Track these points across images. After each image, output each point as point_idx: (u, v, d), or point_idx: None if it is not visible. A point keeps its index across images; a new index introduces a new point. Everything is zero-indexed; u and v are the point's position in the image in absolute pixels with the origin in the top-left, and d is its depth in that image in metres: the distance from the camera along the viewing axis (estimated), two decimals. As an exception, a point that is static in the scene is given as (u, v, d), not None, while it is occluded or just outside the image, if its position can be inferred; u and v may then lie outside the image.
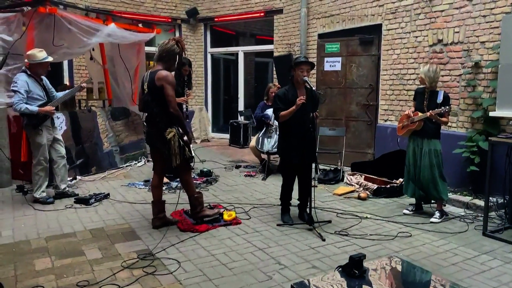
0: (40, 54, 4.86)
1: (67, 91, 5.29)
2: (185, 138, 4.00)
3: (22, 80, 4.76)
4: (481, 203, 4.86)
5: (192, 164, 4.30)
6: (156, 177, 4.31)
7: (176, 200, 4.38)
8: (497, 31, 5.16)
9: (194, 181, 6.01)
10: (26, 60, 4.92)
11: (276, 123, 6.20)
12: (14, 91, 4.75)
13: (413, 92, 5.14)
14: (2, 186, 5.62)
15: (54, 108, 4.98)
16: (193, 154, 4.26)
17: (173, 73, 6.19)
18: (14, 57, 5.38)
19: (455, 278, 3.26)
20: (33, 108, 4.75)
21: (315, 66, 5.76)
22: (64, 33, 5.87)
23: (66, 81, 8.58)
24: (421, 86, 4.74)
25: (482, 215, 4.38)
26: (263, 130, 6.76)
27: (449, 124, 5.69)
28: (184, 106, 6.06)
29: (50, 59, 4.94)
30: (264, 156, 6.82)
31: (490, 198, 4.38)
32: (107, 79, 7.56)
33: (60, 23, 5.71)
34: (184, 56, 4.20)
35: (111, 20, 6.71)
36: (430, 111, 4.42)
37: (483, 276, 3.31)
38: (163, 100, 3.90)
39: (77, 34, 5.91)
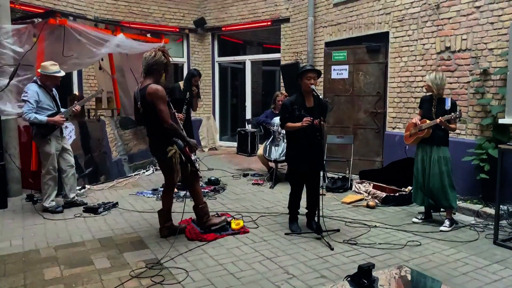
0: (51, 67, 4.93)
1: (65, 109, 5.25)
2: (187, 150, 3.95)
3: (32, 90, 4.83)
4: (491, 211, 4.80)
5: (199, 172, 4.29)
6: (166, 186, 4.31)
7: (185, 209, 4.37)
8: (505, 38, 5.13)
9: (202, 190, 6.02)
10: (38, 70, 5.00)
11: (283, 131, 6.20)
12: (24, 101, 4.82)
13: (421, 100, 5.13)
14: (12, 195, 5.67)
15: (64, 118, 5.01)
16: (198, 167, 4.17)
17: (180, 83, 6.29)
18: (25, 68, 5.47)
19: (466, 288, 3.23)
20: (42, 118, 4.81)
21: (322, 74, 5.77)
22: (74, 44, 5.95)
23: (76, 91, 8.67)
24: (428, 93, 4.72)
25: (493, 224, 4.32)
26: (271, 138, 6.77)
27: (458, 131, 5.66)
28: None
29: (61, 74, 4.99)
30: (272, 164, 6.81)
31: (501, 206, 4.33)
32: (116, 89, 7.64)
33: (70, 34, 5.80)
34: (169, 65, 4.03)
35: (120, 30, 6.80)
36: (440, 117, 4.40)
37: (494, 286, 3.26)
38: (157, 115, 3.80)
39: (86, 45, 5.99)
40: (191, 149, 4.06)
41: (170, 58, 4.04)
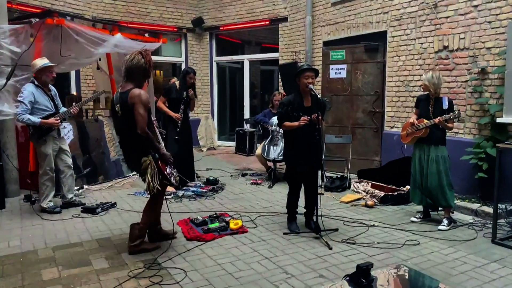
0: (40, 61, 4.90)
1: (63, 110, 5.22)
2: (160, 163, 3.66)
3: (28, 91, 4.80)
4: (490, 210, 4.81)
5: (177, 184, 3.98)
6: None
7: (183, 209, 4.37)
8: (503, 36, 5.14)
9: (201, 189, 6.02)
10: (32, 71, 4.98)
11: (281, 130, 6.20)
12: (20, 102, 4.79)
13: (419, 99, 5.13)
14: (10, 196, 5.65)
15: (59, 121, 4.94)
16: (173, 181, 3.81)
17: (177, 83, 6.25)
18: (22, 68, 5.44)
19: (464, 287, 3.22)
20: (36, 119, 4.77)
21: (320, 74, 5.76)
22: (71, 44, 5.93)
23: (73, 91, 8.65)
24: (424, 93, 4.72)
25: (491, 222, 4.33)
26: (269, 138, 6.77)
27: (456, 130, 5.67)
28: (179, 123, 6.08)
29: (50, 64, 4.93)
30: (270, 164, 6.81)
31: (499, 204, 4.33)
32: (114, 88, 7.61)
33: (67, 34, 5.78)
34: (151, 68, 3.75)
35: (118, 30, 6.78)
36: (439, 117, 4.40)
37: (493, 285, 3.26)
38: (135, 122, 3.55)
39: (84, 45, 5.96)
40: (166, 162, 3.76)
41: (151, 62, 3.75)
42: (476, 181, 5.29)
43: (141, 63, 3.65)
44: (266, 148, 6.68)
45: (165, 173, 3.71)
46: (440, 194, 4.54)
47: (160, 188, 3.67)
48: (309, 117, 4.15)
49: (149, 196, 3.87)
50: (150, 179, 3.60)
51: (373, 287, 2.30)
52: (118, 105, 3.65)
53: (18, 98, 4.82)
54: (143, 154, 3.63)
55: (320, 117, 4.13)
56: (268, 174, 6.86)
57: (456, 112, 4.40)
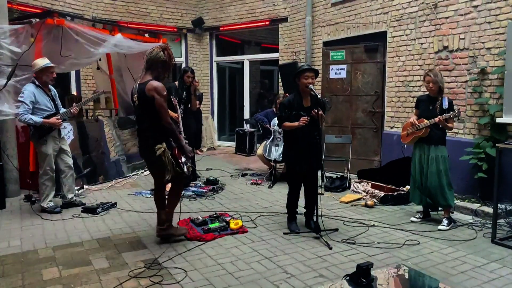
0: (41, 61, 4.91)
1: (63, 110, 5.22)
2: (176, 151, 3.83)
3: (28, 91, 4.81)
4: (489, 210, 4.82)
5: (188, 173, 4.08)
6: (156, 188, 4.18)
7: (183, 209, 4.37)
8: (502, 37, 5.15)
9: (201, 189, 6.03)
10: (32, 70, 4.98)
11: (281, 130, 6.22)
12: (20, 102, 4.80)
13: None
14: (10, 196, 5.66)
15: (60, 120, 4.97)
16: (185, 170, 3.96)
17: (175, 83, 6.27)
18: (23, 68, 5.46)
19: (464, 286, 3.23)
20: (38, 119, 4.78)
21: (320, 74, 5.77)
22: (72, 44, 5.94)
23: (74, 92, 8.66)
24: (425, 93, 4.71)
25: (491, 222, 4.33)
26: (271, 138, 6.79)
27: (456, 130, 5.68)
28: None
29: (51, 64, 4.94)
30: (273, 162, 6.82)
31: (499, 204, 4.33)
32: (114, 88, 7.63)
33: (67, 34, 5.79)
34: (172, 62, 3.91)
35: (118, 30, 6.79)
36: (439, 116, 4.41)
37: (492, 285, 3.26)
38: (154, 113, 3.72)
39: (84, 45, 5.98)
40: (182, 152, 3.90)
41: (172, 56, 3.90)
42: (476, 181, 5.29)
43: (160, 55, 3.81)
44: (268, 148, 6.70)
45: (180, 161, 3.87)
46: (440, 194, 4.55)
47: (174, 174, 3.83)
48: (308, 117, 4.16)
49: (152, 194, 3.92)
50: (168, 164, 3.76)
51: (373, 287, 2.31)
52: (136, 95, 3.83)
53: (19, 98, 4.83)
54: (157, 142, 3.77)
55: (320, 112, 4.14)
56: (268, 174, 6.86)
57: (456, 111, 4.41)
